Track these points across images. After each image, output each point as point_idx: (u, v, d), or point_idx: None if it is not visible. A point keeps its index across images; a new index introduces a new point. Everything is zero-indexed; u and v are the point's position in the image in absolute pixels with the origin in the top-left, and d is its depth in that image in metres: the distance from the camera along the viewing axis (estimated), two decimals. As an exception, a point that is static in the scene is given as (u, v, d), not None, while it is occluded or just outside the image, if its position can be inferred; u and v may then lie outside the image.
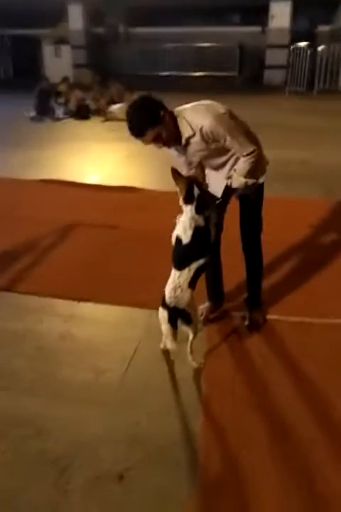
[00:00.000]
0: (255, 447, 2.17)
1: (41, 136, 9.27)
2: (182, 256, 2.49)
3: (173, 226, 2.55)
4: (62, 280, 3.63)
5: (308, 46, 14.45)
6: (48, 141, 8.80)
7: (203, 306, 3.10)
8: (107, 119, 10.62)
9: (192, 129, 2.46)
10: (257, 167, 2.60)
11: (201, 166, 2.56)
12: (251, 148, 2.49)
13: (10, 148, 8.03)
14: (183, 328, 2.53)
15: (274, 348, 2.86)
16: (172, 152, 2.68)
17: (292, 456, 2.13)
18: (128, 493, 1.97)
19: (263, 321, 3.07)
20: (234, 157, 2.62)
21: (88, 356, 2.80)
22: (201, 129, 2.44)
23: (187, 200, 2.44)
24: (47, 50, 18.75)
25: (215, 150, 2.56)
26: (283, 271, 3.69)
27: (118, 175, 6.55)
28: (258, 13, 16.79)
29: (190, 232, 2.43)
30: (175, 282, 2.46)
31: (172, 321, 2.47)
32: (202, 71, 18.39)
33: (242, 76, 18.02)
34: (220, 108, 2.48)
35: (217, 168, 2.71)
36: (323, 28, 17.06)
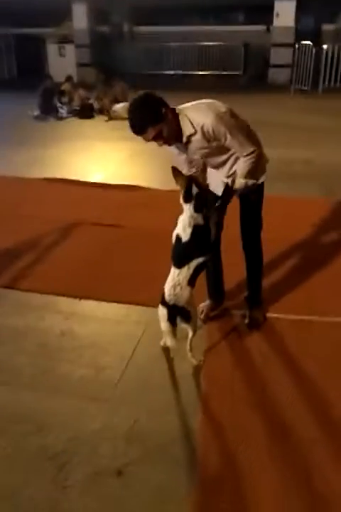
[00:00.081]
0: (253, 445, 2.18)
1: (45, 135, 9.30)
2: (181, 254, 2.50)
3: (176, 225, 2.56)
4: (64, 278, 3.65)
5: (313, 44, 14.39)
6: (52, 139, 8.82)
7: (204, 304, 3.11)
8: (111, 118, 10.64)
9: (193, 127, 2.46)
10: (257, 167, 2.60)
11: (203, 167, 2.57)
12: (250, 149, 2.50)
13: (14, 146, 8.06)
14: (182, 325, 2.54)
15: (274, 346, 2.87)
16: (173, 150, 2.68)
17: (291, 454, 2.14)
18: (127, 489, 1.98)
19: (263, 319, 3.07)
20: (235, 156, 2.62)
21: (88, 353, 2.82)
22: (202, 128, 2.44)
23: (186, 199, 2.46)
24: (52, 49, 18.75)
25: (216, 148, 2.57)
26: (283, 269, 3.69)
27: (122, 174, 6.56)
28: (263, 12, 16.72)
29: (189, 230, 2.45)
30: (175, 280, 2.47)
31: (171, 319, 2.48)
32: (207, 70, 18.38)
33: (247, 75, 17.98)
34: (221, 107, 2.49)
35: (218, 166, 2.71)
36: (328, 27, 16.99)
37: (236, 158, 2.61)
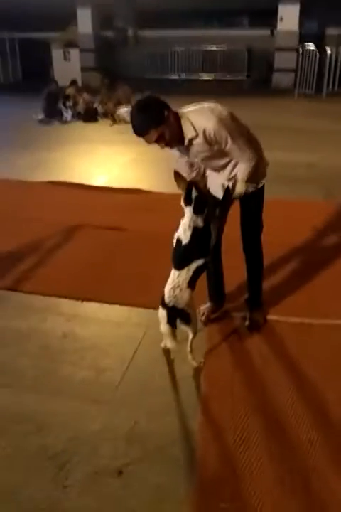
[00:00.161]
0: (253, 446, 2.18)
1: (49, 139, 9.36)
2: (181, 256, 2.52)
3: (178, 228, 2.57)
4: (66, 280, 3.67)
5: (317, 49, 14.41)
6: (56, 143, 8.88)
7: (204, 307, 3.12)
8: (115, 122, 10.69)
9: (195, 130, 2.47)
10: (257, 171, 2.63)
11: (203, 173, 2.59)
12: (250, 154, 2.52)
13: (18, 150, 8.12)
14: (182, 327, 2.55)
15: (274, 348, 2.87)
16: (174, 152, 2.70)
17: (290, 456, 2.14)
18: (127, 489, 1.99)
19: (263, 321, 3.08)
20: (235, 159, 2.64)
21: (90, 355, 2.83)
22: (204, 131, 2.45)
23: (186, 202, 2.48)
24: (56, 54, 18.90)
25: (217, 152, 2.58)
26: (284, 272, 3.70)
27: (126, 177, 6.59)
28: (267, 16, 16.78)
29: (189, 233, 2.47)
30: (174, 282, 2.49)
31: (171, 321, 2.49)
32: (211, 74, 18.46)
33: (251, 79, 18.04)
34: (223, 110, 2.50)
35: (218, 169, 2.73)
36: (332, 31, 17.00)
37: (237, 162, 2.63)
